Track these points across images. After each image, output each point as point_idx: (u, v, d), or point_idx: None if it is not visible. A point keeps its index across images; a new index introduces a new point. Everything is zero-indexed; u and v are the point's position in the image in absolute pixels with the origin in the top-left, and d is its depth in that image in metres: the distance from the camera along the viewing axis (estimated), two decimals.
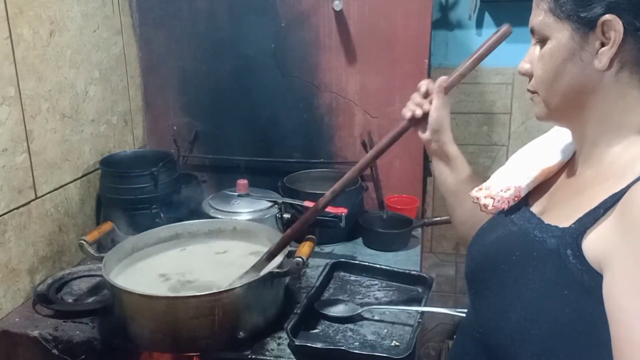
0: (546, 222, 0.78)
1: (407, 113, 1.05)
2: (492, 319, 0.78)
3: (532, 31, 0.79)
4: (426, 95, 1.05)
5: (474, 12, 1.87)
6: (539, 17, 0.76)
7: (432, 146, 1.07)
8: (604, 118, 0.75)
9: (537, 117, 0.83)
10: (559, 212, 0.78)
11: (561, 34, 0.74)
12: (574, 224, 0.71)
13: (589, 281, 0.67)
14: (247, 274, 1.20)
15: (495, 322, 0.77)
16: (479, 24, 1.92)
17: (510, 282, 0.76)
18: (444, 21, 1.93)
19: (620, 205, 0.65)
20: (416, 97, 1.06)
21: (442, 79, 1.03)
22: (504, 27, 0.97)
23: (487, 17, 1.90)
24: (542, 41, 0.77)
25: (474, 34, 1.92)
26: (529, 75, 0.81)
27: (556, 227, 0.74)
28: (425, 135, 1.06)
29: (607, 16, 0.69)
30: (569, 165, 0.87)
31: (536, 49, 0.79)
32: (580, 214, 0.71)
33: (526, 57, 0.81)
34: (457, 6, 1.91)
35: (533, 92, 0.81)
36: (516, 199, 0.89)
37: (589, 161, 0.78)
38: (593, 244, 0.67)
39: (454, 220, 1.12)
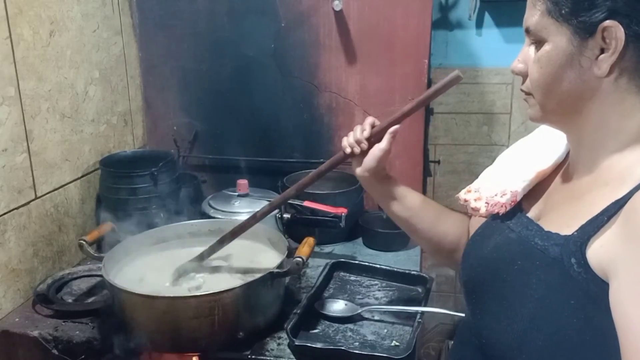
0: (545, 228, 0.77)
1: (347, 148, 1.06)
2: (495, 329, 0.77)
3: (527, 31, 0.76)
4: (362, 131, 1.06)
5: (474, 12, 1.87)
6: (534, 17, 0.74)
7: (366, 183, 1.08)
8: (602, 123, 0.73)
9: (531, 119, 0.81)
10: (557, 218, 0.77)
11: (559, 38, 0.72)
12: (576, 231, 0.70)
13: (595, 289, 0.66)
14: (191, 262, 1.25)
15: (498, 332, 0.76)
16: (479, 24, 1.91)
17: (512, 292, 0.75)
18: (444, 21, 1.93)
19: (624, 213, 0.65)
20: (357, 132, 1.06)
21: (397, 127, 1.03)
22: (454, 73, 0.95)
23: (487, 17, 1.90)
24: (538, 42, 0.75)
25: (474, 34, 1.92)
26: (523, 76, 0.79)
27: (557, 234, 0.73)
28: (359, 171, 1.07)
29: (608, 22, 0.67)
30: (562, 168, 0.86)
31: (531, 50, 0.76)
32: (581, 220, 0.70)
33: (519, 56, 0.79)
34: (457, 6, 1.91)
35: (527, 94, 0.79)
36: (512, 203, 0.88)
37: (586, 166, 0.77)
38: (597, 252, 0.67)
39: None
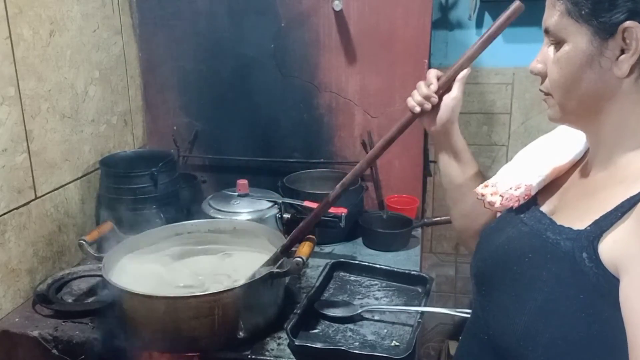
0: (558, 223, 0.77)
1: (415, 107, 1.00)
2: (503, 321, 0.77)
3: (547, 31, 0.76)
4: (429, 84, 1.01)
5: (474, 12, 1.87)
6: (554, 17, 0.74)
7: (440, 137, 1.03)
8: (621, 123, 0.73)
9: (550, 119, 0.81)
10: (570, 213, 0.77)
11: (579, 38, 0.72)
12: (589, 226, 0.70)
13: (605, 285, 0.66)
14: (263, 268, 1.19)
15: (506, 325, 0.76)
16: (479, 24, 1.91)
17: (522, 285, 0.75)
18: (444, 21, 1.93)
19: (637, 209, 0.65)
20: (423, 88, 1.00)
21: (466, 71, 0.99)
22: (516, 4, 0.91)
23: (487, 17, 1.90)
24: (558, 43, 0.75)
25: (473, 34, 1.92)
26: (542, 76, 0.79)
27: (570, 229, 0.73)
28: (434, 127, 1.02)
29: (629, 23, 0.67)
30: (580, 165, 0.86)
31: (550, 50, 0.76)
32: (595, 216, 0.70)
33: (539, 56, 0.79)
34: (457, 6, 1.91)
35: (547, 94, 0.79)
36: (526, 197, 0.88)
37: (603, 164, 0.77)
38: (610, 248, 0.67)
39: (454, 213, 1.08)
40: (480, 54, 0.98)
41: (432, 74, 1.01)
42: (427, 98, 0.99)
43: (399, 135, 1.06)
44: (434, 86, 0.99)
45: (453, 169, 1.04)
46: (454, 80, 1.00)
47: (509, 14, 0.93)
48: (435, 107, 1.00)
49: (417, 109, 1.00)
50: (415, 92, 1.01)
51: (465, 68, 0.99)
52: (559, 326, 0.70)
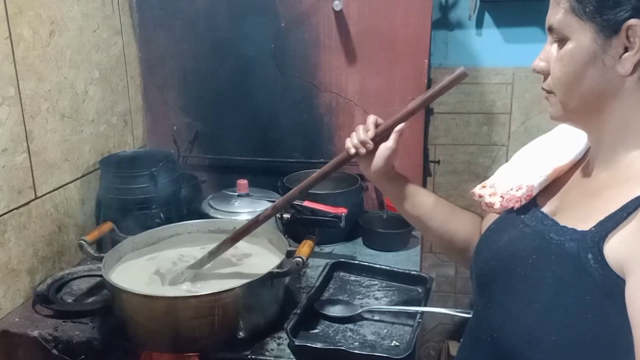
0: (561, 223, 0.76)
1: (351, 149, 1.05)
2: (507, 324, 0.77)
3: (550, 29, 0.76)
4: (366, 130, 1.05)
5: (474, 12, 1.87)
6: (558, 15, 0.74)
7: (377, 182, 1.09)
8: (624, 122, 0.73)
9: (552, 118, 0.81)
10: (573, 214, 0.77)
11: (582, 36, 0.72)
12: (594, 227, 0.70)
13: (611, 286, 0.66)
14: (190, 269, 1.24)
15: (511, 327, 0.76)
16: (479, 24, 1.92)
17: (527, 286, 0.75)
18: (444, 21, 1.93)
19: None
20: (361, 133, 1.04)
21: (403, 125, 1.03)
22: (460, 70, 0.95)
23: (487, 17, 1.90)
24: (561, 41, 0.75)
25: (473, 34, 1.92)
26: (545, 74, 0.79)
27: (574, 229, 0.73)
28: (369, 173, 1.07)
29: (633, 21, 0.67)
30: (581, 165, 0.86)
31: (553, 48, 0.76)
32: (599, 217, 0.70)
33: (542, 54, 0.79)
34: (457, 6, 1.91)
35: (549, 92, 0.79)
36: (528, 198, 0.87)
37: (606, 163, 0.77)
38: (615, 248, 0.66)
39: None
40: (419, 111, 1.03)
41: (371, 120, 1.05)
42: (363, 143, 1.04)
43: (333, 171, 1.10)
44: (371, 133, 1.03)
45: (405, 205, 1.08)
46: (391, 130, 1.03)
47: (453, 78, 0.96)
48: (371, 153, 1.04)
49: (352, 150, 1.05)
50: (353, 135, 1.06)
51: (404, 121, 1.03)
52: (564, 328, 0.69)
